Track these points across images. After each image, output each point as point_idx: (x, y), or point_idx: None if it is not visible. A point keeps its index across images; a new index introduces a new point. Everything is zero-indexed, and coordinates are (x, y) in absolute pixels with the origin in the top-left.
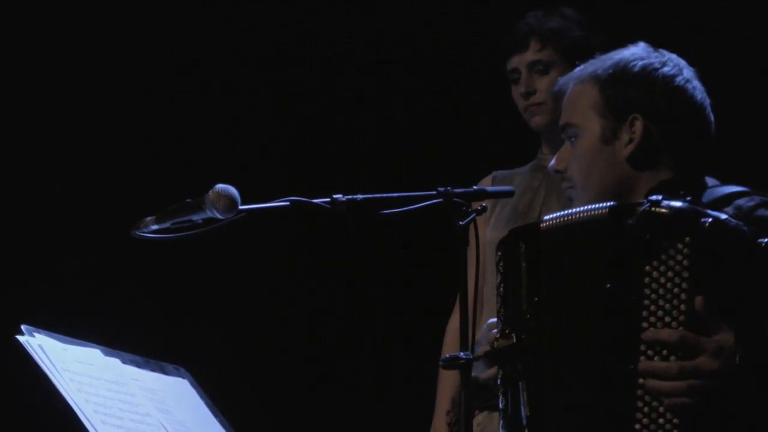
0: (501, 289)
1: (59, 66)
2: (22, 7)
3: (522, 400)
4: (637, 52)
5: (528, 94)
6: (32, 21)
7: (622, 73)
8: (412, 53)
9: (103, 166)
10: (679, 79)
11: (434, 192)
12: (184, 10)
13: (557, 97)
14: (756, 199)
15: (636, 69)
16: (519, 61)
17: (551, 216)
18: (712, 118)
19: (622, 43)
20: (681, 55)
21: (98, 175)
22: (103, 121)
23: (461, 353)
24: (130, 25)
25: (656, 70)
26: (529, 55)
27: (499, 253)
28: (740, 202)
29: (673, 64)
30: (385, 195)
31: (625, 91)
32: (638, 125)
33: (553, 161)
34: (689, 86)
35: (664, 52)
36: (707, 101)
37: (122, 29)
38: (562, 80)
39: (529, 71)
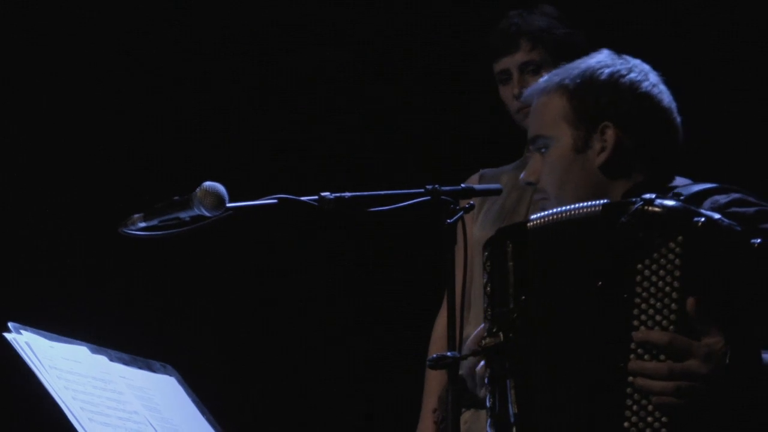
0: (488, 288)
1: (50, 65)
2: (8, 7)
3: (510, 399)
4: (602, 60)
5: (522, 96)
6: (22, 21)
7: (589, 81)
8: (399, 51)
9: (91, 163)
10: (645, 84)
11: (422, 190)
12: (169, 8)
13: (529, 102)
14: (732, 195)
15: (603, 76)
16: (510, 62)
17: (539, 215)
18: (679, 120)
19: (600, 39)
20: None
21: (86, 172)
22: (89, 118)
23: (448, 352)
24: (117, 22)
25: (623, 76)
26: (521, 56)
27: (486, 253)
28: (716, 197)
29: (639, 70)
30: (372, 193)
31: (594, 99)
32: (610, 133)
33: (523, 174)
34: (656, 90)
35: (628, 58)
36: (674, 104)
37: (109, 27)
38: (526, 93)
39: (521, 72)
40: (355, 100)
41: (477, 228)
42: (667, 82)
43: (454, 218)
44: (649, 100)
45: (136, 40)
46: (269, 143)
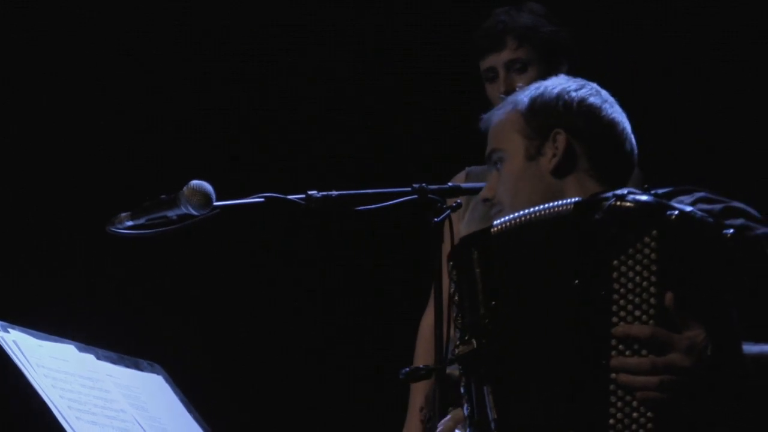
0: (456, 297)
1: (49, 65)
2: (8, 7)
3: (488, 404)
4: (556, 80)
5: (508, 94)
6: (22, 21)
7: (541, 96)
8: (385, 51)
9: (78, 162)
10: (594, 98)
11: (409, 189)
12: (156, 6)
13: (487, 129)
14: (695, 194)
15: (555, 92)
16: (496, 60)
17: (503, 219)
18: (632, 138)
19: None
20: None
21: (73, 171)
22: (75, 116)
23: (421, 365)
24: (103, 21)
25: (574, 91)
26: (507, 54)
27: (451, 263)
28: (681, 198)
29: (590, 87)
30: (359, 191)
31: (545, 111)
32: (561, 139)
33: (482, 192)
34: (606, 105)
35: (582, 79)
36: (626, 123)
37: (94, 25)
38: (485, 116)
39: (507, 70)
40: (341, 99)
41: (463, 226)
42: (657, 79)
43: (441, 217)
44: (597, 111)
45: (124, 37)
46: (256, 142)
